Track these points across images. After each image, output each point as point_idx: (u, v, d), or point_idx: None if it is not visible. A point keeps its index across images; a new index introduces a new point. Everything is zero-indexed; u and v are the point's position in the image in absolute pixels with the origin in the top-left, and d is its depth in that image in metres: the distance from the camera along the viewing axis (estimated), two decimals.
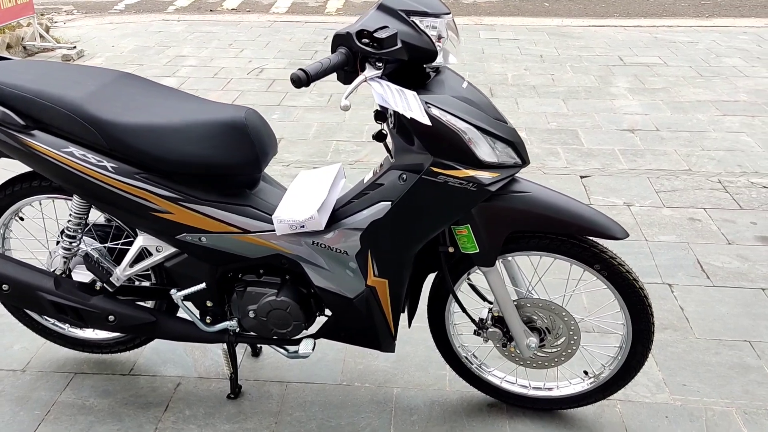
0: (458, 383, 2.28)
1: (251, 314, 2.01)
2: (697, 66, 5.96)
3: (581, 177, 3.81)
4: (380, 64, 1.62)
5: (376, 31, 1.61)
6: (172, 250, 2.01)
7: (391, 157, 1.83)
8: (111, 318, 2.05)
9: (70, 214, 2.05)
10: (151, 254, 2.03)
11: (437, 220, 1.80)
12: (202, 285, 1.98)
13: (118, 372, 2.36)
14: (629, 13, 8.37)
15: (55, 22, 7.43)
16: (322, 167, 2.12)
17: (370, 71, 1.61)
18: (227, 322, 2.06)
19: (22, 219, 2.22)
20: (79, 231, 2.08)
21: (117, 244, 2.14)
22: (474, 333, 2.06)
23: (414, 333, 2.45)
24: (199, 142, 1.85)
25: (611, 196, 3.58)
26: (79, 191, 1.94)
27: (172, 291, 2.00)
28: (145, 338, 2.30)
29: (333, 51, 1.65)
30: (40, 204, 2.19)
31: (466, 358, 2.13)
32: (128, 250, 2.13)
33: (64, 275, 2.12)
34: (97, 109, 1.87)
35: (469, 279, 2.01)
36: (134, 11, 8.71)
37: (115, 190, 1.89)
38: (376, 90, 1.62)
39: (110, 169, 1.88)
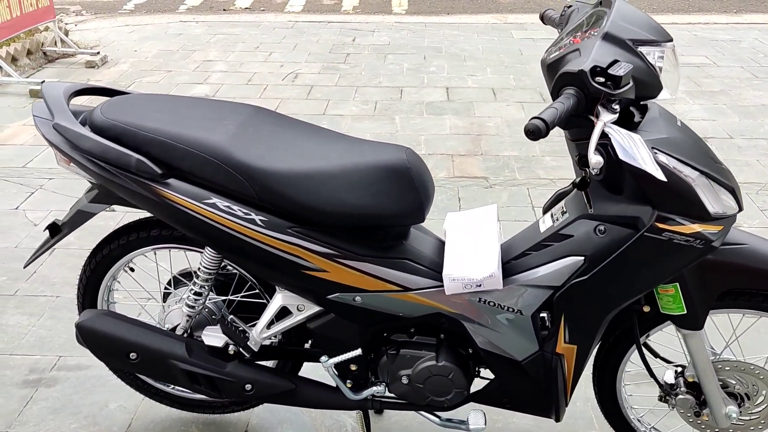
0: None
1: (404, 380, 1.77)
2: (748, 66, 5.76)
3: None
4: (616, 107, 1.38)
5: (609, 66, 1.37)
6: (315, 309, 1.76)
7: (590, 207, 1.59)
8: (248, 387, 1.80)
9: (200, 269, 1.80)
10: (290, 313, 1.78)
11: (649, 280, 1.57)
12: (358, 351, 1.74)
13: None
14: (654, 8, 8.16)
15: (66, 24, 7.09)
16: (473, 209, 1.88)
17: (606, 115, 1.37)
18: (374, 388, 1.82)
19: (132, 270, 1.96)
20: (207, 287, 1.82)
21: (237, 297, 1.89)
22: (659, 399, 1.83)
23: None
24: (360, 190, 1.61)
25: None
26: (218, 246, 1.70)
27: (323, 358, 1.76)
28: None
29: (555, 90, 1.40)
30: (155, 254, 1.94)
31: (638, 421, 1.91)
32: (250, 302, 1.89)
33: (185, 335, 1.87)
34: (244, 154, 1.62)
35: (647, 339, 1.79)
36: (144, 11, 8.39)
37: (263, 246, 1.64)
38: (617, 140, 1.37)
39: (259, 222, 1.63)
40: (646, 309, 1.68)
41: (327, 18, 7.69)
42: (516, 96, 5.13)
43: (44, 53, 6.02)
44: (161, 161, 1.64)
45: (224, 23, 7.39)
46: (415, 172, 1.65)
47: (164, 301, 2.02)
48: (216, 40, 6.67)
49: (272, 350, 1.89)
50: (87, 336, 1.81)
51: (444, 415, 1.87)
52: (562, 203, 1.71)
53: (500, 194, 3.62)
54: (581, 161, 1.54)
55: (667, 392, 1.79)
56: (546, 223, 1.70)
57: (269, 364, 1.97)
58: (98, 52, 5.98)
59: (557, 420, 1.76)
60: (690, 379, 1.77)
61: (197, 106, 1.78)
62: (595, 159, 1.34)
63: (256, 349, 1.80)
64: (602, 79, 1.36)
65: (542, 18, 1.89)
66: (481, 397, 1.82)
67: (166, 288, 2.00)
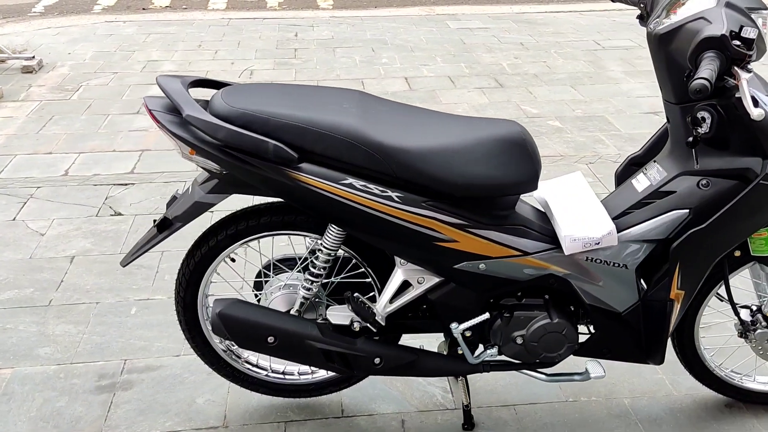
0: (680, 385, 2.27)
1: (518, 340, 1.89)
2: None
3: None
4: (750, 67, 1.55)
5: (740, 31, 1.54)
6: (435, 280, 1.85)
7: (696, 163, 1.76)
8: (377, 360, 1.86)
9: (321, 250, 1.84)
10: (409, 288, 1.86)
11: (755, 225, 1.77)
12: (486, 315, 1.84)
13: (330, 415, 2.16)
14: None
15: None
16: (558, 177, 2.02)
17: (744, 74, 1.54)
18: (488, 351, 1.93)
19: (233, 260, 1.96)
20: (325, 269, 1.87)
21: (336, 279, 1.95)
22: (739, 335, 2.04)
23: None
24: (486, 162, 1.72)
25: None
26: (350, 224, 1.75)
27: (453, 325, 1.85)
28: (361, 377, 2.12)
29: (695, 55, 1.55)
30: (258, 243, 1.95)
31: (711, 362, 2.11)
32: (348, 283, 1.96)
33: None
34: (378, 134, 1.68)
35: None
36: (56, 12, 7.99)
37: (398, 221, 1.72)
38: (759, 96, 1.55)
39: (396, 199, 1.70)
40: (738, 253, 1.88)
41: (261, 15, 7.62)
42: (473, 83, 5.33)
43: None
44: (294, 146, 1.67)
45: (155, 22, 7.18)
46: (529, 143, 1.77)
47: (257, 290, 2.04)
48: (152, 40, 6.48)
49: (391, 324, 1.95)
50: (229, 324, 1.82)
51: (547, 371, 2.00)
52: (655, 164, 1.88)
53: None
54: (694, 121, 1.70)
55: (747, 328, 2.01)
56: (642, 183, 1.87)
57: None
58: (33, 56, 5.68)
59: (660, 363, 1.93)
60: None
61: (309, 92, 1.82)
62: (757, 111, 1.50)
63: (383, 324, 1.86)
64: (738, 42, 1.53)
65: None
66: (583, 351, 1.97)
67: (262, 275, 2.01)
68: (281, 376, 2.14)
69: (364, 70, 5.61)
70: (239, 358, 2.10)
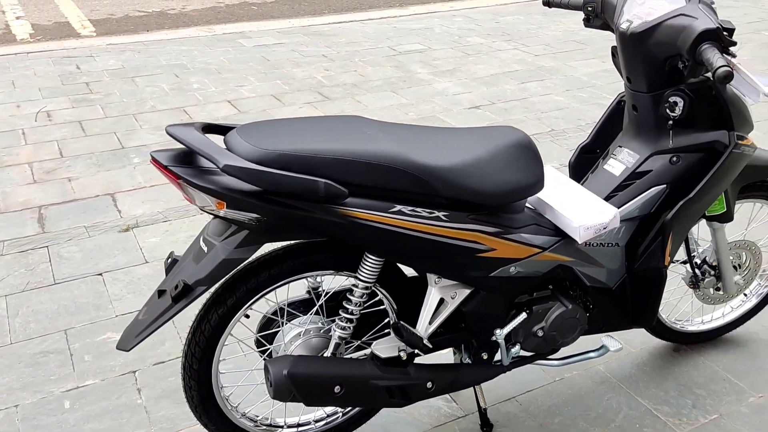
0: (632, 342, 2.54)
1: (539, 333, 1.97)
2: (455, 45, 6.77)
3: None
4: (735, 53, 1.76)
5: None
6: (466, 293, 1.85)
7: (671, 142, 1.97)
8: (429, 385, 1.81)
9: (356, 285, 1.74)
10: (441, 305, 1.84)
11: (723, 188, 2.01)
12: (524, 315, 1.88)
13: None
14: (332, 8, 8.92)
15: None
16: None
17: (735, 60, 1.74)
18: (513, 350, 1.98)
19: (248, 317, 1.76)
20: (359, 304, 1.76)
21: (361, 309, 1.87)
22: (690, 286, 2.32)
23: None
24: (511, 168, 1.76)
25: (563, 160, 4.07)
26: (394, 251, 1.68)
27: (497, 332, 1.86)
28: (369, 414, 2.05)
29: (694, 47, 1.72)
30: (275, 293, 1.77)
31: (661, 312, 2.39)
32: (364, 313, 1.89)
33: None
34: (419, 157, 1.63)
35: None
36: None
37: (446, 240, 1.69)
38: (755, 77, 1.76)
39: (443, 218, 1.67)
40: None
41: (20, 49, 6.76)
42: (299, 98, 5.30)
43: None
44: (341, 181, 1.56)
45: None
46: (534, 145, 1.85)
47: (267, 344, 1.87)
48: None
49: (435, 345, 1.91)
50: (298, 383, 1.62)
51: (558, 356, 2.11)
52: (622, 148, 2.06)
53: None
54: (670, 107, 1.91)
55: (698, 279, 2.30)
56: (616, 167, 2.05)
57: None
58: None
59: (652, 324, 2.13)
60: (713, 263, 2.30)
61: (319, 123, 1.70)
62: (766, 90, 1.72)
63: (431, 346, 1.81)
64: (726, 33, 1.74)
65: (548, 3, 2.20)
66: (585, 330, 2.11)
67: (281, 325, 1.84)
68: (295, 428, 1.98)
69: (180, 98, 5.28)
70: (254, 421, 1.90)
